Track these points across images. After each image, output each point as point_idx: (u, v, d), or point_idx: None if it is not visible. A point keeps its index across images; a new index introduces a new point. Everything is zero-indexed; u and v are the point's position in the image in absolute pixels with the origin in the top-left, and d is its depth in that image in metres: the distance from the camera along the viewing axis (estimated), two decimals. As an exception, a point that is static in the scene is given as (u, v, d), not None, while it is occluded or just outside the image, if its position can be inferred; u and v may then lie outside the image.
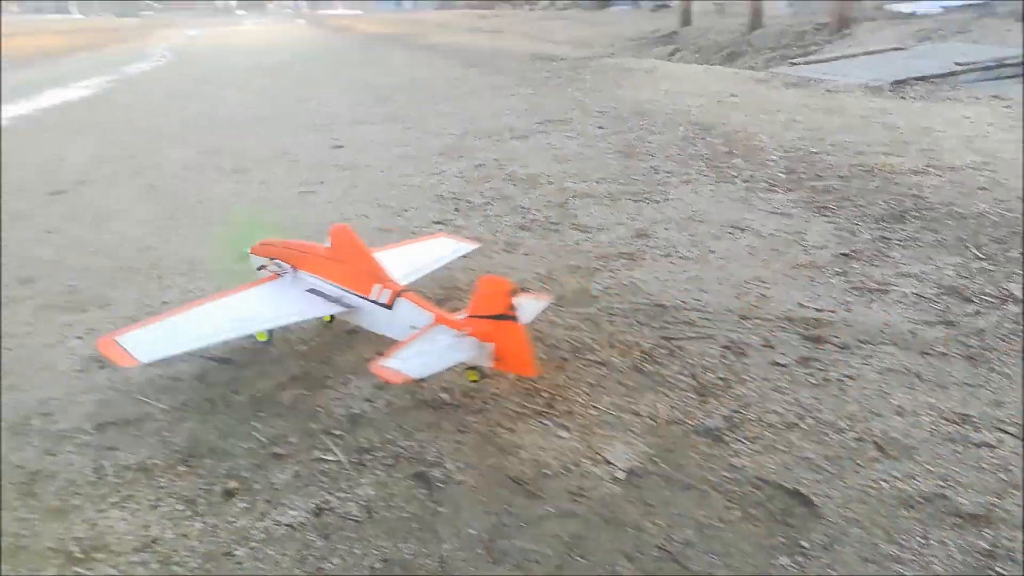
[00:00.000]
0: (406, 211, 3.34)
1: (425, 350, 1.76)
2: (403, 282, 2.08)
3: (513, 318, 1.73)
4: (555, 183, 3.76)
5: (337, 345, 2.12)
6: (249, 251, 2.30)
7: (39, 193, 3.83)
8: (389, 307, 1.97)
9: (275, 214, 3.33)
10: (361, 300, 2.02)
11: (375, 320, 2.02)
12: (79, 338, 2.17)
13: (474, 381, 1.83)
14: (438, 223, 3.17)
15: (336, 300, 2.06)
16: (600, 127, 5.19)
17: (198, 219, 3.32)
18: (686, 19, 13.99)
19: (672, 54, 11.33)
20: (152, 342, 1.86)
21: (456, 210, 3.35)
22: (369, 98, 7.15)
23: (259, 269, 2.28)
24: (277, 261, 2.23)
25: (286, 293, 2.14)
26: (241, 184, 3.90)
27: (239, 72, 10.84)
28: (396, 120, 5.81)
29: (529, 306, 1.97)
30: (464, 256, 2.46)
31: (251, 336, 2.04)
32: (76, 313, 2.36)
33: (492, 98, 6.80)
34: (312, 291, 2.12)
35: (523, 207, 3.36)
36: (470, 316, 1.81)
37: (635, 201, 3.39)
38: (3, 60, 12.65)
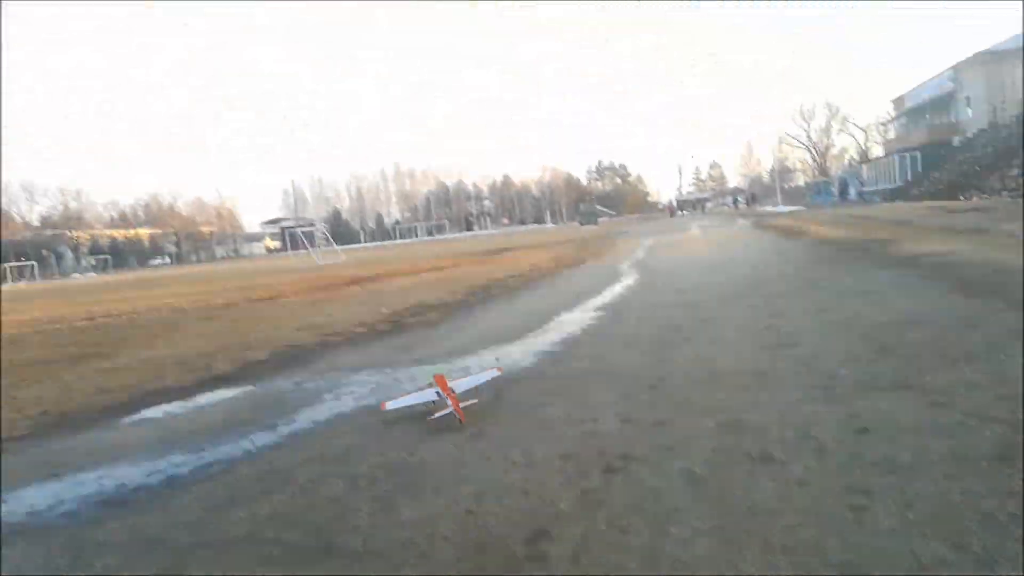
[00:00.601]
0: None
1: (410, 399, 5.90)
2: (462, 389, 5.82)
3: (453, 392, 5.59)
4: None
5: None
6: (433, 377, 5.87)
7: (595, 472, 4.31)
8: (446, 396, 5.52)
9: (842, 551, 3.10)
10: (443, 395, 5.54)
11: (442, 405, 5.48)
12: None
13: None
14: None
15: (438, 394, 5.61)
16: None
17: (766, 547, 3.25)
18: None
19: None
20: (396, 404, 5.75)
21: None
22: (864, 344, 6.69)
23: (428, 385, 5.87)
24: (433, 383, 5.76)
25: (428, 392, 5.77)
26: (783, 488, 3.78)
27: (706, 291, 11.45)
28: (915, 387, 5.21)
29: (462, 384, 5.93)
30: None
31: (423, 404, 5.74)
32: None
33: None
34: (436, 392, 5.63)
35: None
36: (448, 392, 5.58)
37: None
38: (513, 274, 15.72)
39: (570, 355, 7.77)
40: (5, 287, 74.75)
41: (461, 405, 5.48)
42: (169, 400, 7.58)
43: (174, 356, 10.23)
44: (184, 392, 7.92)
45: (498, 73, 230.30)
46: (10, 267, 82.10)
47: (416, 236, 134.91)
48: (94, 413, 7.23)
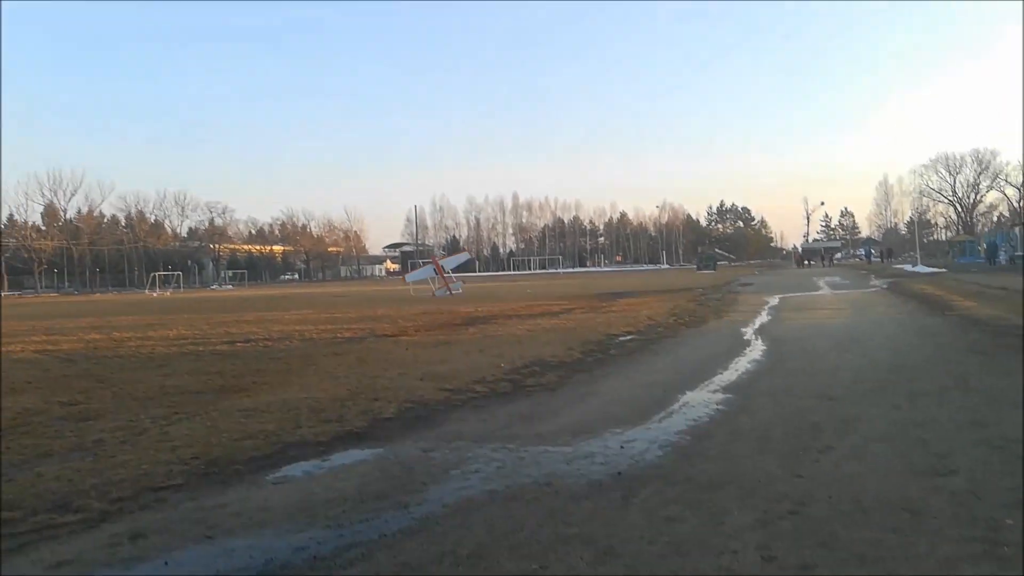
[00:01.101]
0: None
1: (419, 274, 43.48)
2: (448, 266, 42.45)
3: (443, 268, 41.29)
4: None
5: None
6: (431, 259, 42.89)
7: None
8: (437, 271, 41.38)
9: None
10: (434, 270, 41.19)
11: (439, 283, 39.96)
12: None
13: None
14: None
15: (435, 271, 40.25)
16: None
17: None
18: None
19: None
20: (412, 279, 43.37)
21: None
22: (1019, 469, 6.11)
23: (428, 263, 43.49)
24: (431, 264, 41.99)
25: (429, 267, 41.72)
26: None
27: (844, 378, 10.81)
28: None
29: (448, 262, 44.37)
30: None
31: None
32: None
33: None
34: (433, 269, 40.79)
35: None
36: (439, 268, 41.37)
37: None
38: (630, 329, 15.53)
39: (699, 453, 7.54)
40: (154, 294, 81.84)
41: (453, 290, 37.49)
42: (307, 457, 8.02)
43: (308, 400, 10.82)
44: (320, 448, 8.35)
45: (621, 106, 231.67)
46: (158, 275, 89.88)
47: (529, 268, 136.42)
48: (240, 464, 7.72)
